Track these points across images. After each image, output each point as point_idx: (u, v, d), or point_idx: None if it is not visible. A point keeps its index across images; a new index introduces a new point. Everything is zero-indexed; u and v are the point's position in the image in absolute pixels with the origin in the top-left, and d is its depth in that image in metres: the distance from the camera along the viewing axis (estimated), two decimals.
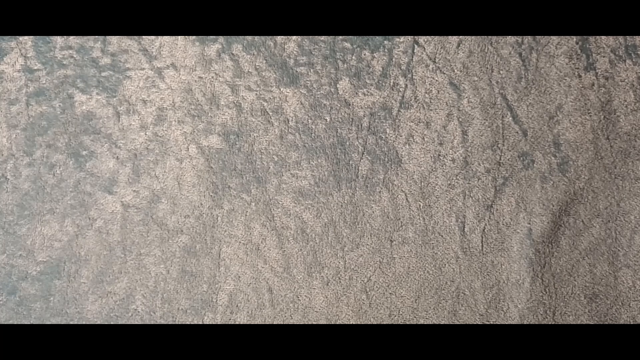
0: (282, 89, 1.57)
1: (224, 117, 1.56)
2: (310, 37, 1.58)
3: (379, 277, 1.56)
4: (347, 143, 1.58)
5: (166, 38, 1.56)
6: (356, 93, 1.58)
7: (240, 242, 1.55)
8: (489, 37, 1.60)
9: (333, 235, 1.56)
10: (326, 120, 1.58)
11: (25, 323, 1.50)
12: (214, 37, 1.57)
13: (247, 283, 1.54)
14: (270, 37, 1.57)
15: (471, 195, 1.58)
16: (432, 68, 1.59)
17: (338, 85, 1.58)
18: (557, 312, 1.57)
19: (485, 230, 1.58)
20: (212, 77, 1.56)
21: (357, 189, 1.57)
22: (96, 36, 1.55)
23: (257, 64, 1.57)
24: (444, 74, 1.59)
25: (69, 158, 1.53)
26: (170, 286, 1.53)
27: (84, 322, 1.51)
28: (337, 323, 1.55)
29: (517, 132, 1.59)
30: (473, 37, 1.59)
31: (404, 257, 1.57)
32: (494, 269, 1.57)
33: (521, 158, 1.59)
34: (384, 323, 1.56)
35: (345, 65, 1.58)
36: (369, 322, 1.55)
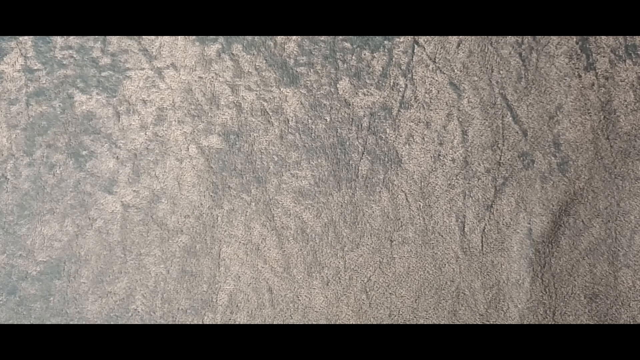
0: (282, 89, 1.57)
1: (224, 117, 1.56)
2: (310, 37, 1.58)
3: (379, 277, 1.56)
4: (347, 143, 1.58)
5: (166, 38, 1.56)
6: (356, 93, 1.58)
7: (240, 242, 1.55)
8: (489, 37, 1.60)
9: (333, 235, 1.56)
10: (326, 120, 1.58)
11: (25, 323, 1.50)
12: (214, 37, 1.57)
13: (247, 283, 1.54)
14: (270, 37, 1.57)
15: (471, 195, 1.58)
16: (432, 68, 1.59)
17: (338, 85, 1.58)
18: (557, 312, 1.57)
19: (485, 230, 1.58)
20: (212, 77, 1.57)
21: (357, 189, 1.57)
22: (96, 36, 1.55)
23: (257, 64, 1.57)
24: (444, 74, 1.59)
25: (69, 158, 1.53)
26: (170, 286, 1.54)
27: (84, 322, 1.51)
28: (337, 323, 1.55)
29: (517, 132, 1.59)
30: (473, 37, 1.59)
31: (404, 257, 1.57)
32: (494, 269, 1.57)
33: (521, 158, 1.59)
34: (384, 323, 1.56)
35: (345, 65, 1.58)
36: (369, 322, 1.56)
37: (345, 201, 1.57)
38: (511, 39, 1.60)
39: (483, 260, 1.57)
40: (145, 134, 1.55)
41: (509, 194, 1.58)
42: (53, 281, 1.51)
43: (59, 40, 1.55)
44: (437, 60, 1.60)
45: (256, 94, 1.57)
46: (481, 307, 1.57)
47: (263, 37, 1.57)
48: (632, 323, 1.57)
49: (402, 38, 1.59)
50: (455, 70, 1.59)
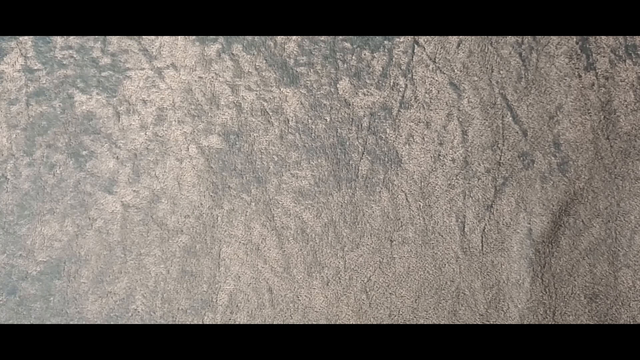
0: (282, 89, 1.57)
1: (224, 117, 1.56)
2: (310, 37, 1.58)
3: (379, 277, 1.56)
4: (347, 143, 1.58)
5: (166, 38, 1.56)
6: (356, 93, 1.58)
7: (240, 242, 1.55)
8: (489, 37, 1.60)
9: (333, 235, 1.56)
10: (326, 120, 1.58)
11: (25, 323, 1.50)
12: (214, 37, 1.57)
13: (247, 283, 1.54)
14: (270, 37, 1.57)
15: (471, 195, 1.58)
16: (432, 68, 1.59)
17: (338, 85, 1.58)
18: (557, 312, 1.57)
19: (485, 230, 1.58)
20: (212, 77, 1.57)
21: (357, 189, 1.57)
22: (96, 36, 1.55)
23: (257, 64, 1.57)
24: (444, 74, 1.59)
25: (69, 158, 1.53)
26: (170, 286, 1.54)
27: (84, 322, 1.51)
28: (337, 323, 1.55)
29: (517, 132, 1.59)
30: (473, 37, 1.59)
31: (404, 257, 1.57)
32: (494, 269, 1.57)
33: (521, 158, 1.59)
34: (384, 323, 1.56)
35: (345, 65, 1.58)
36: (369, 322, 1.56)
37: (345, 201, 1.57)
38: (511, 39, 1.60)
39: (483, 260, 1.57)
40: (145, 134, 1.55)
41: (509, 194, 1.58)
42: (53, 281, 1.51)
43: (59, 40, 1.55)
44: (437, 60, 1.60)
45: (256, 94, 1.57)
46: (481, 307, 1.57)
47: (263, 37, 1.57)
48: (632, 323, 1.57)
49: (402, 38, 1.59)
50: (455, 70, 1.59)
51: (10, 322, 1.50)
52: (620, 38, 1.61)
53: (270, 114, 1.57)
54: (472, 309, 1.57)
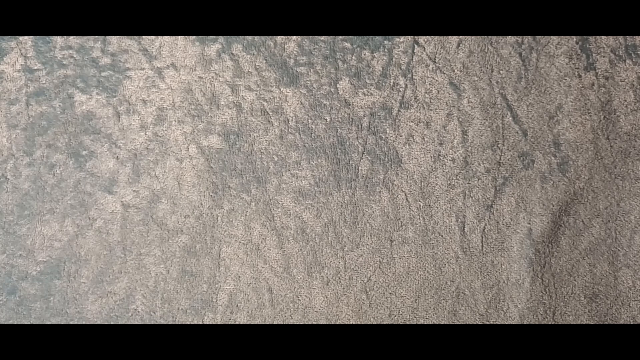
0: (282, 89, 1.57)
1: (224, 117, 1.56)
2: (310, 37, 1.58)
3: (379, 277, 1.56)
4: (347, 143, 1.58)
5: (166, 38, 1.56)
6: (356, 93, 1.58)
7: (240, 242, 1.55)
8: (489, 37, 1.60)
9: (333, 235, 1.56)
10: (326, 120, 1.58)
11: (25, 323, 1.50)
12: (214, 37, 1.57)
13: (247, 283, 1.54)
14: (270, 37, 1.57)
15: (471, 195, 1.58)
16: (432, 68, 1.59)
17: (338, 85, 1.58)
18: (557, 312, 1.57)
19: (485, 230, 1.58)
20: (212, 77, 1.57)
21: (357, 189, 1.57)
22: (96, 36, 1.55)
23: (257, 64, 1.57)
24: (444, 74, 1.59)
25: (69, 158, 1.53)
26: (170, 286, 1.54)
27: (84, 322, 1.51)
28: (337, 323, 1.55)
29: (517, 132, 1.59)
30: (473, 37, 1.59)
31: (404, 257, 1.57)
32: (494, 269, 1.57)
33: (521, 158, 1.59)
34: (384, 323, 1.56)
35: (345, 65, 1.58)
36: (369, 322, 1.56)
37: (345, 201, 1.57)
38: (511, 39, 1.60)
39: (483, 260, 1.57)
40: (145, 134, 1.55)
41: (509, 194, 1.58)
42: (53, 281, 1.51)
43: (59, 40, 1.55)
44: (437, 60, 1.60)
45: (256, 94, 1.57)
46: (481, 307, 1.57)
47: (263, 37, 1.57)
48: (632, 323, 1.57)
49: (402, 38, 1.59)
50: (455, 70, 1.60)
51: (10, 322, 1.50)
52: (620, 38, 1.61)
53: (270, 114, 1.57)
54: (472, 309, 1.57)
